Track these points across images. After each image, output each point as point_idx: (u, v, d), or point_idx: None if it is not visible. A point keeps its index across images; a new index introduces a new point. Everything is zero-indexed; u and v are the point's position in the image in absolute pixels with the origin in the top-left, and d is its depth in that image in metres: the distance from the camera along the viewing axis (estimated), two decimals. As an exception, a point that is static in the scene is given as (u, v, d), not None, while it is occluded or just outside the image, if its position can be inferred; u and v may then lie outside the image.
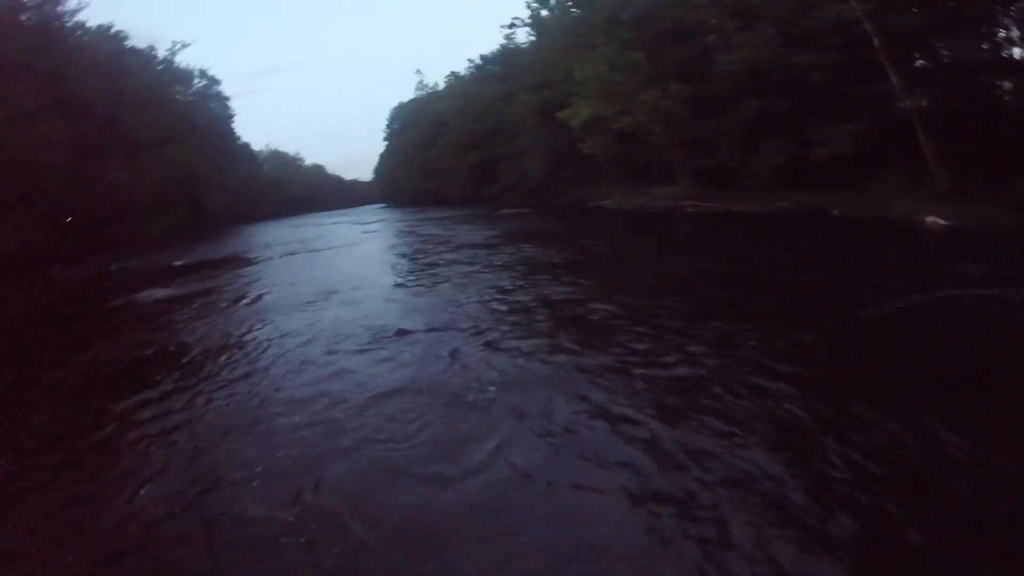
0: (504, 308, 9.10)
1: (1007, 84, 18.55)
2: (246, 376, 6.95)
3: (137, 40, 55.44)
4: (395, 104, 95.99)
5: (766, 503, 3.63)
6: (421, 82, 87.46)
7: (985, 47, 18.70)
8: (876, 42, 18.95)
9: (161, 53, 61.79)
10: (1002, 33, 18.55)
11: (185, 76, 66.92)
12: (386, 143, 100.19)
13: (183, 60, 66.35)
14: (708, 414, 4.84)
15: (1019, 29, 17.98)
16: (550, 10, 46.39)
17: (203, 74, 70.56)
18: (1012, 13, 17.55)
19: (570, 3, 43.40)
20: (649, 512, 3.66)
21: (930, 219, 14.71)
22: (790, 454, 4.14)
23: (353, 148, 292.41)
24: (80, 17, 40.79)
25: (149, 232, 40.54)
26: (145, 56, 56.86)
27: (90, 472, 5.02)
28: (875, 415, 4.52)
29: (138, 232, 39.78)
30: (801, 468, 3.96)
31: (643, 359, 6.28)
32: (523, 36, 53.72)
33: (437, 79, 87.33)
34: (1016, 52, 18.54)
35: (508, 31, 55.31)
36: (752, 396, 5.08)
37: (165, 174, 43.58)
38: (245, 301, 12.37)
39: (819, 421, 4.56)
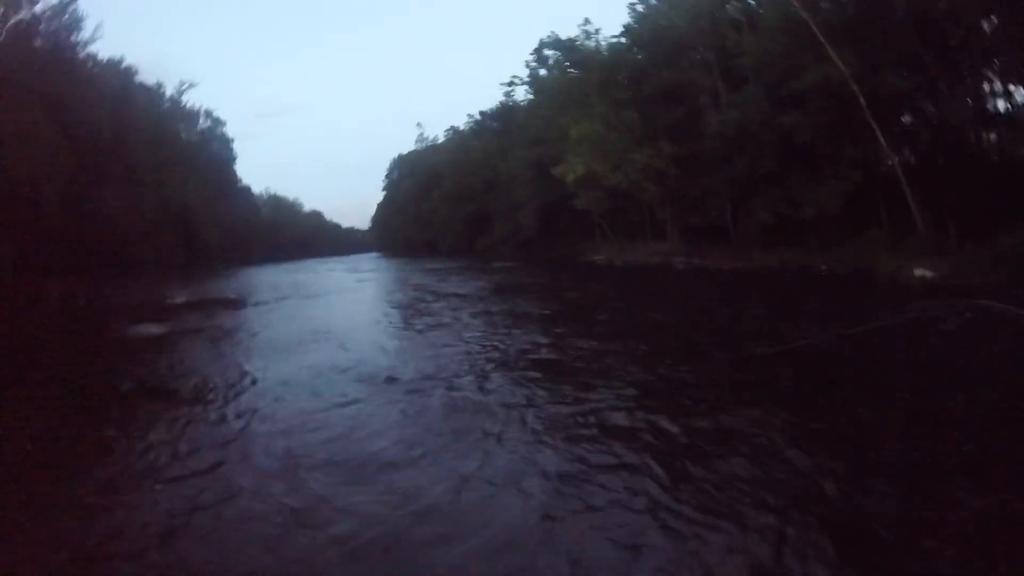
0: (486, 357, 9.14)
1: (992, 137, 18.81)
2: (222, 420, 6.69)
3: (146, 76, 56.02)
4: (395, 155, 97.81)
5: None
6: (421, 135, 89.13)
7: (969, 102, 19.04)
8: (863, 101, 19.27)
9: (168, 91, 62.66)
10: (986, 87, 18.95)
11: (191, 116, 67.43)
12: (384, 192, 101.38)
13: (190, 99, 67.36)
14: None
15: (1002, 83, 18.37)
16: (548, 70, 47.59)
17: (208, 115, 71.06)
18: (995, 67, 17.94)
19: (567, 63, 44.53)
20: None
21: (919, 272, 14.56)
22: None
23: (352, 196, 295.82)
24: (92, 48, 41.54)
25: (142, 261, 40.16)
26: (152, 92, 57.52)
27: (62, 500, 4.68)
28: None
29: (132, 258, 39.46)
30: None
31: (598, 405, 6.40)
32: (521, 94, 55.01)
33: (437, 132, 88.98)
34: (1000, 105, 18.96)
35: (507, 88, 56.62)
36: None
37: (163, 208, 43.65)
38: (237, 342, 12.35)
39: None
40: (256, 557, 3.68)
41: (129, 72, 51.27)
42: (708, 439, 5.21)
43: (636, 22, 36.49)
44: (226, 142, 74.65)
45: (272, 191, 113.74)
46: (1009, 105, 19.74)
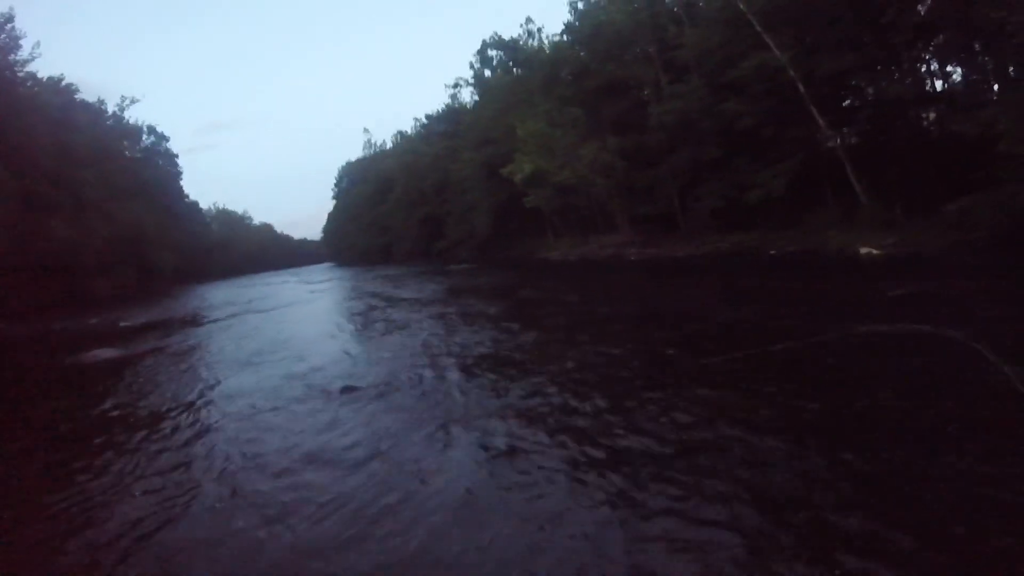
0: (441, 361, 8.95)
1: (931, 115, 19.38)
2: (185, 441, 6.48)
3: (86, 93, 54.18)
4: (343, 162, 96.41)
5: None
6: (369, 140, 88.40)
7: (908, 81, 19.61)
8: (801, 87, 19.64)
9: (110, 108, 60.71)
10: (923, 67, 19.54)
11: (134, 132, 65.48)
12: (334, 201, 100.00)
13: (132, 116, 65.26)
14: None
15: (939, 63, 18.96)
16: (492, 70, 47.65)
17: (152, 130, 69.26)
18: (932, 48, 18.49)
19: (511, 63, 44.69)
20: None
21: (864, 249, 14.84)
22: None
23: (302, 206, 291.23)
24: (31, 67, 39.65)
25: (95, 291, 38.33)
26: (94, 110, 55.51)
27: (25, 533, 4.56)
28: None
29: (83, 290, 37.59)
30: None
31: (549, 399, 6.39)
32: (467, 95, 54.95)
33: (384, 137, 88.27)
34: (938, 85, 19.58)
35: (453, 90, 56.57)
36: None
37: (112, 232, 41.83)
38: (192, 362, 11.96)
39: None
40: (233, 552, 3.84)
41: (70, 90, 49.35)
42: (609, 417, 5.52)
43: (577, 19, 36.77)
44: (171, 158, 72.71)
45: (220, 205, 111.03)
46: (945, 83, 20.52)
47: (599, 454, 4.66)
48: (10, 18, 35.11)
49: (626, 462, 4.46)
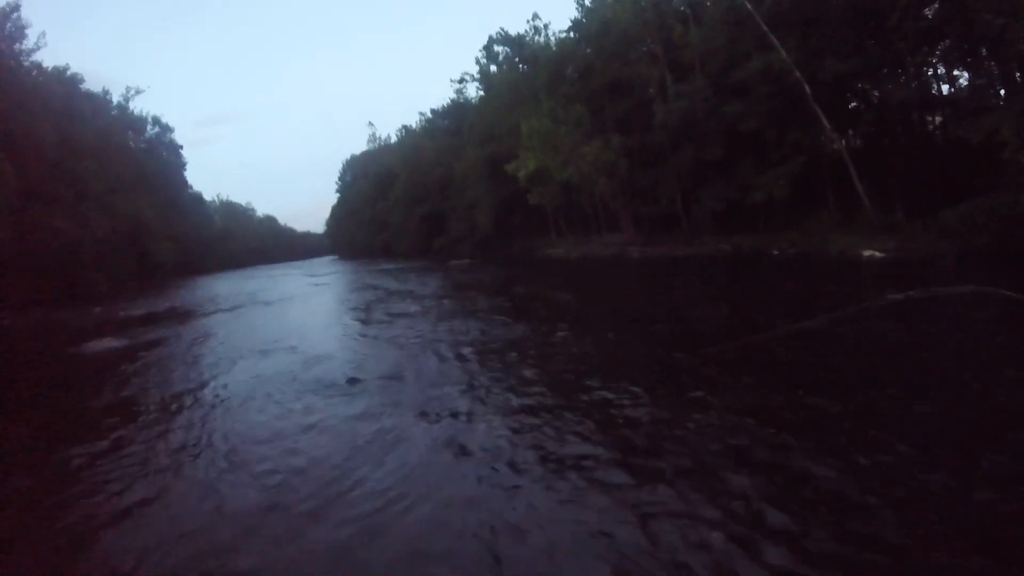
0: (443, 355, 8.99)
1: (936, 119, 19.36)
2: (190, 429, 6.51)
3: (91, 83, 53.76)
4: (347, 156, 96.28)
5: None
6: (373, 135, 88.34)
7: (913, 85, 19.60)
8: (806, 88, 19.63)
9: (115, 99, 60.62)
10: (928, 71, 19.50)
11: (138, 123, 65.40)
12: (338, 195, 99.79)
13: (136, 106, 65.01)
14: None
15: (945, 67, 18.92)
16: (498, 66, 47.49)
17: (156, 121, 68.91)
18: (938, 52, 18.48)
19: (516, 59, 44.57)
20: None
21: (866, 252, 14.85)
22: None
23: (305, 199, 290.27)
24: (36, 57, 39.65)
25: (95, 283, 38.31)
26: (99, 101, 55.42)
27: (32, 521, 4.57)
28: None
29: (84, 283, 37.57)
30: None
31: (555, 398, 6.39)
32: (472, 91, 54.79)
33: (389, 131, 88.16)
34: (944, 88, 19.54)
35: (458, 86, 56.24)
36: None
37: (113, 224, 41.77)
38: (193, 353, 11.94)
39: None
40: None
41: (75, 80, 49.23)
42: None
43: (584, 17, 36.71)
44: (175, 149, 72.34)
45: (224, 197, 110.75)
46: (952, 88, 20.51)
47: (575, 448, 4.80)
48: (15, 7, 35.22)
49: (605, 454, 4.61)
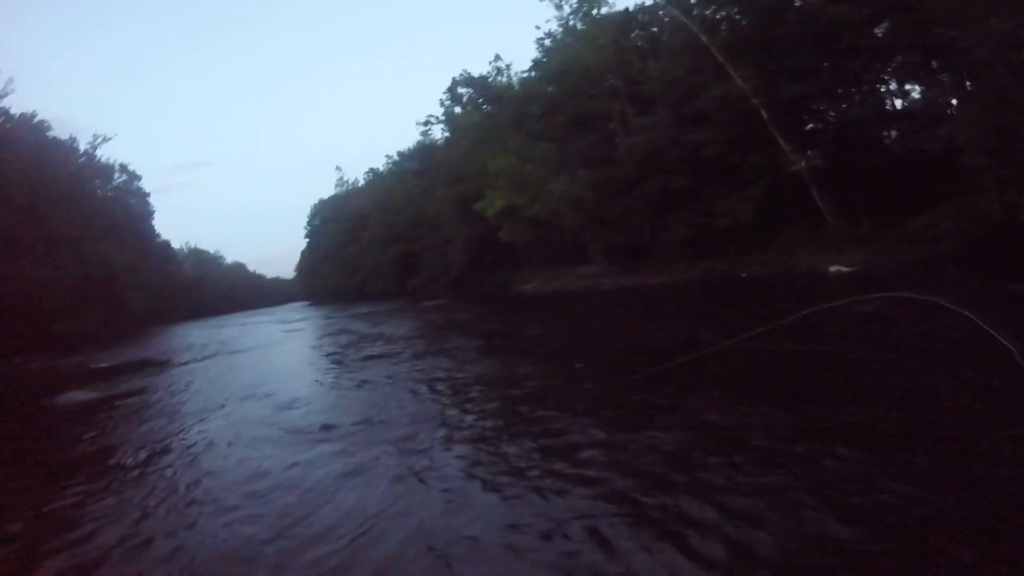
0: (412, 396, 8.89)
1: (893, 133, 19.78)
2: (161, 483, 6.19)
3: (58, 131, 53.15)
4: (316, 200, 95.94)
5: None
6: (341, 178, 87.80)
7: (868, 102, 20.07)
8: (764, 113, 20.01)
9: (82, 146, 59.69)
10: (883, 88, 20.01)
11: (105, 170, 64.56)
12: (307, 240, 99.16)
13: (104, 154, 64.22)
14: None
15: (898, 82, 19.44)
16: (462, 107, 48.08)
17: (123, 168, 68.10)
18: (890, 69, 18.98)
19: (480, 100, 45.17)
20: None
21: (833, 267, 14.87)
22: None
23: (274, 245, 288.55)
24: (4, 103, 39.07)
25: (64, 331, 37.01)
26: (66, 148, 54.52)
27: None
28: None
29: (51, 332, 36.23)
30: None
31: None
32: (438, 132, 55.26)
33: (357, 175, 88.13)
34: (898, 103, 20.04)
35: (424, 127, 56.72)
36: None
37: (83, 272, 40.78)
38: (166, 405, 11.39)
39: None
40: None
41: (42, 127, 48.60)
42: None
43: (544, 56, 37.42)
44: (143, 196, 71.64)
45: (192, 244, 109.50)
46: (905, 102, 21.06)
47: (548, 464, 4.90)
48: None
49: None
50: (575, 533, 3.63)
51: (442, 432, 6.58)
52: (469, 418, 7.13)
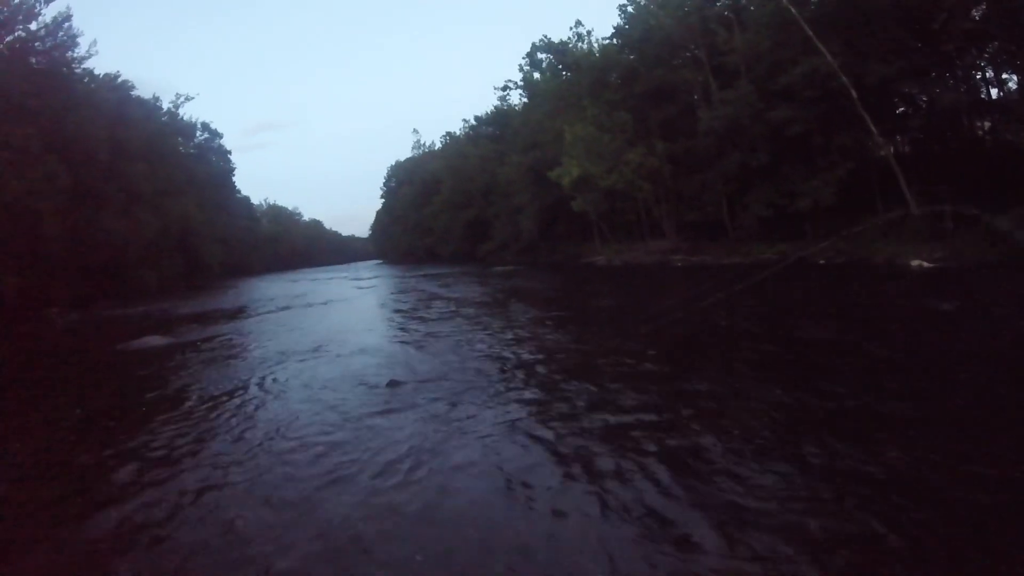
0: (482, 359, 9.36)
1: (986, 123, 18.79)
2: (238, 425, 6.84)
3: (142, 90, 55.56)
4: (392, 162, 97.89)
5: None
6: (418, 141, 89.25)
7: (962, 89, 19.05)
8: (852, 92, 19.30)
9: (165, 105, 61.98)
10: (978, 75, 18.95)
11: (187, 129, 67.39)
12: (383, 200, 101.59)
13: (186, 113, 66.99)
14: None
15: (994, 70, 18.38)
16: (541, 73, 47.78)
17: (205, 127, 71.24)
18: (986, 55, 17.95)
19: (560, 66, 44.75)
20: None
21: (915, 262, 14.56)
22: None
23: (351, 204, 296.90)
24: (88, 64, 41.35)
25: (144, 282, 40.04)
26: (149, 107, 56.65)
27: (84, 503, 4.92)
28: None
29: (133, 281, 39.29)
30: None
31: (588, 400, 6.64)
32: (516, 98, 55.21)
33: (433, 138, 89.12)
34: (993, 92, 18.94)
35: (502, 92, 56.75)
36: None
37: (163, 225, 43.49)
38: (240, 351, 12.37)
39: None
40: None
41: (125, 86, 50.71)
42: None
43: (626, 23, 36.60)
44: (224, 154, 74.48)
45: (271, 201, 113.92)
46: (1001, 92, 19.83)
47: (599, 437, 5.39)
48: (68, 17, 36.53)
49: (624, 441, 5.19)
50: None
51: (498, 393, 7.09)
52: (521, 379, 7.70)
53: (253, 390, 8.40)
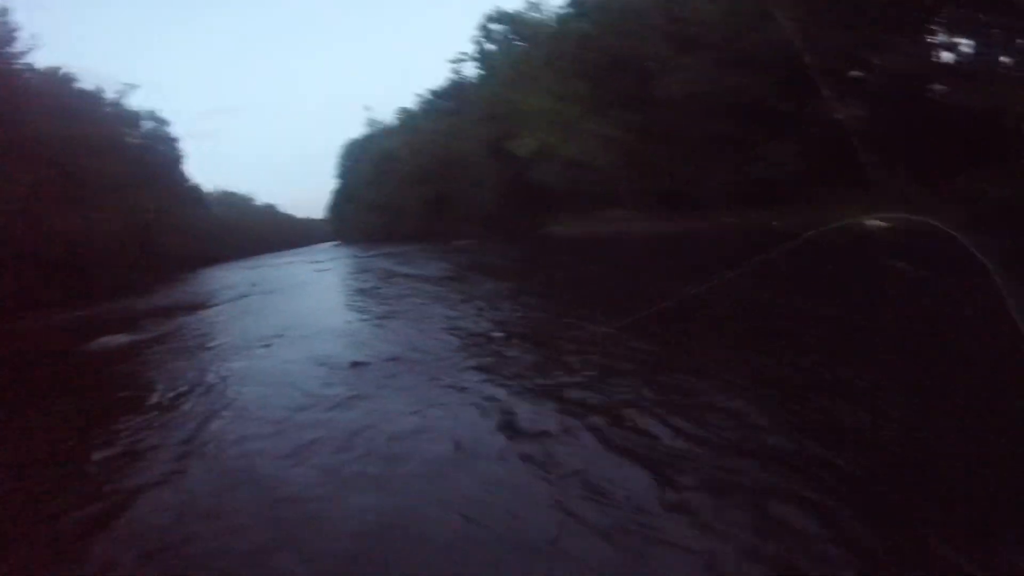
0: (441, 333, 9.63)
1: (939, 87, 19.17)
2: (202, 413, 6.82)
3: (84, 82, 53.15)
4: (346, 141, 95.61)
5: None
6: (371, 118, 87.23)
7: (915, 54, 19.34)
8: (807, 58, 19.49)
9: (109, 96, 59.25)
10: (932, 40, 19.27)
11: (133, 118, 64.25)
12: (338, 180, 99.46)
13: (132, 102, 64.24)
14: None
15: (948, 35, 18.71)
16: (495, 44, 47.10)
17: (152, 115, 67.93)
18: (941, 20, 18.23)
19: (513, 36, 44.19)
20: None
21: (870, 222, 14.86)
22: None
23: (305, 187, 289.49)
24: (29, 59, 39.57)
25: (101, 279, 38.54)
26: (93, 98, 54.67)
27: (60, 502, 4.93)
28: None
29: (90, 279, 37.76)
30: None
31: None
32: (470, 70, 54.34)
33: (387, 114, 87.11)
34: (947, 56, 19.31)
35: (455, 65, 55.79)
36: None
37: (117, 220, 41.99)
38: (200, 345, 12.03)
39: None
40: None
41: (68, 79, 49.11)
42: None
43: (582, -9, 36.28)
44: (172, 143, 71.86)
45: (222, 188, 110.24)
46: (956, 56, 20.22)
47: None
48: (4, 11, 35.39)
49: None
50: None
51: (454, 364, 7.36)
52: (476, 350, 8.01)
53: (216, 379, 8.36)
